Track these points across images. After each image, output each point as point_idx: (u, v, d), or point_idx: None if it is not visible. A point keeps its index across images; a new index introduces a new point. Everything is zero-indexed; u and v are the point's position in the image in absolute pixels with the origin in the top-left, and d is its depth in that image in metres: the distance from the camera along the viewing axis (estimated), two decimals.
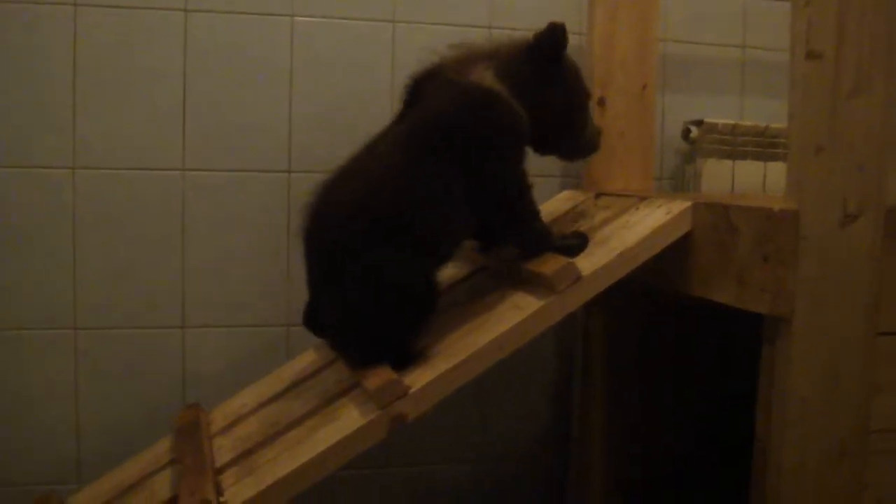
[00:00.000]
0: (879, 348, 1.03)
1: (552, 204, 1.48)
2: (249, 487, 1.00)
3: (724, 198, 1.28)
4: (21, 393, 1.49)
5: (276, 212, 1.57)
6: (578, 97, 1.24)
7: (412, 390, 1.04)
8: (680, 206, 1.16)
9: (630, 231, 1.16)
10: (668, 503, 1.57)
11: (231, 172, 1.55)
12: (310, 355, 1.35)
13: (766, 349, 1.05)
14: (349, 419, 1.06)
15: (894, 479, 1.06)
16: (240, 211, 1.55)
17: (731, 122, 1.65)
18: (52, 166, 1.47)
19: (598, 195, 1.41)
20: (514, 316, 1.10)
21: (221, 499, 1.00)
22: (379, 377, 1.06)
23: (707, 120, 1.64)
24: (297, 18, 1.56)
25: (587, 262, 1.13)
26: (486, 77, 1.14)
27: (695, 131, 1.65)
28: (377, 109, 1.52)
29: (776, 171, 1.66)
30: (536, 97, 1.17)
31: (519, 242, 1.21)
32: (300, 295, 1.20)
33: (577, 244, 1.18)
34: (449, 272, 1.38)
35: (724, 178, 1.65)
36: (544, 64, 1.18)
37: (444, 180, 1.11)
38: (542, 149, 1.25)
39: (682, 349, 1.56)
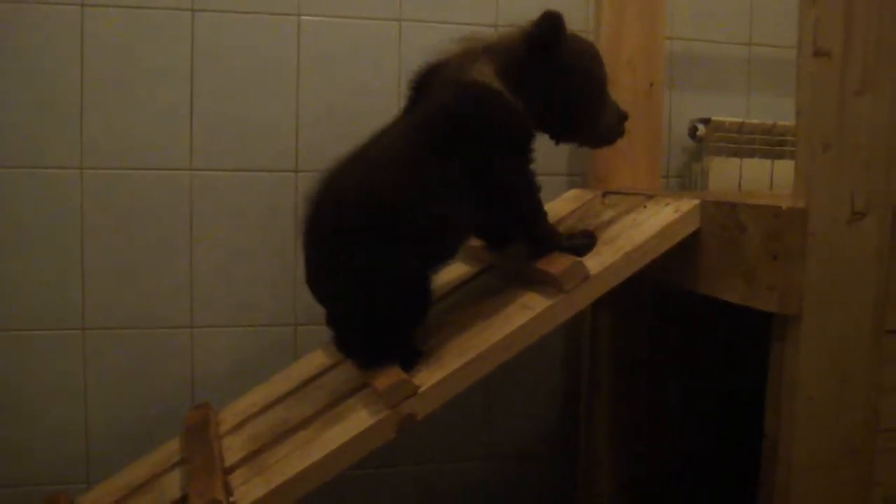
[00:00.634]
0: (887, 346, 1.03)
1: (559, 203, 1.48)
2: (259, 487, 1.01)
3: (732, 196, 1.27)
4: (30, 393, 1.49)
5: (283, 211, 1.57)
6: (588, 85, 1.20)
7: (421, 389, 1.04)
8: (688, 204, 1.16)
9: (638, 230, 1.16)
10: (675, 501, 1.57)
11: (238, 172, 1.55)
12: (318, 355, 1.35)
13: (775, 347, 1.04)
14: (358, 419, 1.06)
15: None
16: (247, 210, 1.56)
17: (739, 119, 1.65)
18: (59, 166, 1.48)
19: (606, 194, 1.41)
20: (522, 315, 1.10)
21: (231, 499, 1.00)
22: (388, 377, 1.06)
23: (714, 118, 1.64)
24: (303, 17, 1.56)
25: (595, 262, 1.12)
26: (485, 73, 1.13)
27: (702, 129, 1.65)
28: (384, 108, 1.51)
29: (784, 169, 1.66)
30: (538, 89, 1.15)
31: (526, 241, 1.20)
32: (308, 294, 1.20)
33: (585, 243, 1.17)
34: (457, 271, 1.38)
35: (731, 176, 1.65)
36: (543, 54, 1.15)
37: (446, 177, 1.11)
38: (560, 138, 1.24)
39: (689, 347, 1.56)
